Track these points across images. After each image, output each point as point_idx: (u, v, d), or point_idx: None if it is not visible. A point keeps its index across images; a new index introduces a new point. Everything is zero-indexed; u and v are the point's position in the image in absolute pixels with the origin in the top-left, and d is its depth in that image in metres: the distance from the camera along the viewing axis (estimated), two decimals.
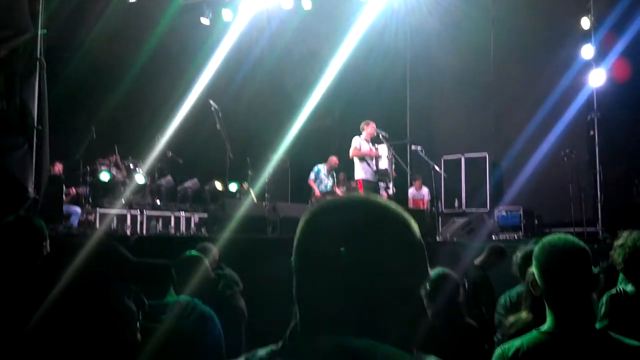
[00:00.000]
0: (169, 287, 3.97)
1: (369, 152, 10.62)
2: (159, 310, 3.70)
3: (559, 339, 2.15)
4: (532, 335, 2.20)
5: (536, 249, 2.30)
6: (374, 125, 10.79)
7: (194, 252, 4.41)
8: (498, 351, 2.23)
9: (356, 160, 10.67)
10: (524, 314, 3.64)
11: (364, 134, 10.76)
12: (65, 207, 10.04)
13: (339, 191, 12.09)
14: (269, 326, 5.41)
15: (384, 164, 10.51)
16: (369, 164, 10.57)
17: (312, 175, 12.15)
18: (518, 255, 4.54)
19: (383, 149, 10.60)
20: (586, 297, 2.23)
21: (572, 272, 2.19)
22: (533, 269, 2.30)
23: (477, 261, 6.73)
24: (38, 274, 1.86)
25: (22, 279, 3.01)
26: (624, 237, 3.60)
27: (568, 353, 2.11)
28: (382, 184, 11.14)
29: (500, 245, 6.82)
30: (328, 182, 12.04)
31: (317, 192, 11.96)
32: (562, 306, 2.19)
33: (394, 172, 10.97)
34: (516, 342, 2.20)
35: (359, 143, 10.67)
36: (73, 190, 10.81)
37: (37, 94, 7.17)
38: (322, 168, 12.11)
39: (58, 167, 10.76)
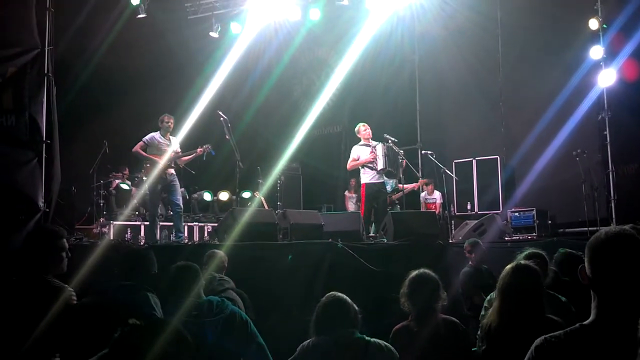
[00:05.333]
0: (198, 287, 4.25)
1: (364, 160, 10.55)
2: (189, 305, 4.03)
3: (597, 332, 2.05)
4: (572, 328, 2.10)
5: (592, 237, 2.17)
6: (367, 126, 10.74)
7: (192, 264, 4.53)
8: (537, 341, 2.13)
9: (360, 168, 10.67)
10: (492, 309, 3.70)
11: (360, 139, 10.76)
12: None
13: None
14: (276, 327, 5.51)
15: (380, 164, 10.46)
16: (370, 168, 10.56)
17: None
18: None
19: (379, 149, 10.54)
20: (635, 291, 2.03)
21: (625, 264, 2.04)
22: (585, 257, 2.17)
23: None
24: None
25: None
26: None
27: (604, 347, 2.00)
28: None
29: None
30: (390, 181, 11.71)
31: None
32: (608, 299, 2.07)
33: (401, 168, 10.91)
34: (555, 334, 2.10)
35: (357, 153, 10.64)
36: (199, 150, 10.09)
37: (46, 109, 7.29)
38: None
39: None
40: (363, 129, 10.72)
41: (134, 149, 9.81)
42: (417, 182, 12.82)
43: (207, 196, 13.66)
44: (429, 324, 4.11)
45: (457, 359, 4.14)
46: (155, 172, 9.65)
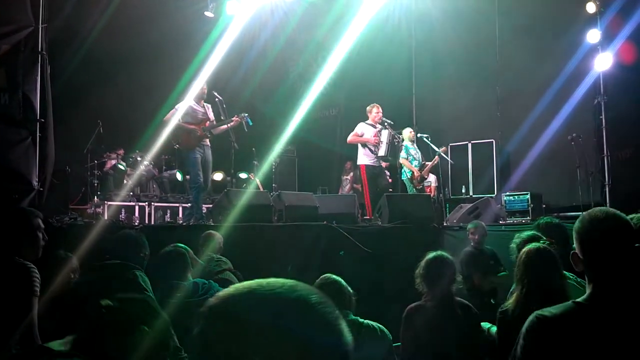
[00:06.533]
0: (186, 271, 4.47)
1: (367, 139, 10.54)
2: (177, 288, 4.09)
3: (591, 310, 2.11)
4: (566, 305, 2.17)
5: (577, 222, 2.26)
6: (379, 108, 10.71)
7: (180, 245, 4.64)
8: (531, 317, 2.19)
9: (359, 146, 10.66)
10: (515, 295, 3.69)
11: (369, 118, 10.73)
12: None
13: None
14: None
15: (382, 151, 10.47)
16: (370, 150, 10.53)
17: (403, 154, 11.34)
18: (516, 241, 4.58)
19: (385, 135, 10.54)
20: (626, 269, 2.12)
21: (613, 243, 2.14)
22: (574, 243, 2.25)
23: None
24: None
25: None
26: None
27: (601, 324, 2.06)
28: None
29: None
30: (418, 154, 11.58)
31: (416, 172, 11.39)
32: (600, 277, 2.15)
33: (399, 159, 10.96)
34: (551, 310, 2.16)
35: (361, 129, 10.63)
36: (236, 119, 9.05)
37: (40, 88, 7.23)
38: (408, 143, 11.49)
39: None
40: (375, 111, 10.64)
41: (165, 118, 9.03)
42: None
43: None
44: (443, 305, 4.16)
45: (469, 342, 4.17)
46: (192, 140, 8.98)
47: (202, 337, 1.14)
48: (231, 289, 1.17)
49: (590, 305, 2.13)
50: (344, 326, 1.15)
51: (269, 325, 1.07)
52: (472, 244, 7.55)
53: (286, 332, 1.07)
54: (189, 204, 9.57)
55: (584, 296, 2.18)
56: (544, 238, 4.24)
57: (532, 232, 4.44)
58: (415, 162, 11.42)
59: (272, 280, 1.16)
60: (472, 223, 7.87)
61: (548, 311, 2.16)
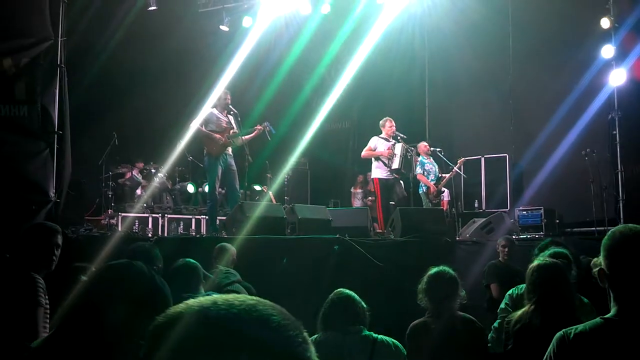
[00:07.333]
0: (198, 284, 4.46)
1: (381, 153, 10.59)
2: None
3: (621, 326, 2.12)
4: (595, 322, 2.19)
5: (606, 238, 2.26)
6: (392, 122, 10.76)
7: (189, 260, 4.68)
8: (559, 334, 2.22)
9: (372, 160, 10.71)
10: (524, 308, 3.70)
11: (383, 132, 10.78)
12: None
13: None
14: None
15: (395, 164, 10.49)
16: (384, 163, 10.57)
17: (419, 170, 11.30)
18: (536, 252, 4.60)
19: (398, 148, 10.58)
20: None
21: None
22: (600, 259, 2.27)
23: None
24: None
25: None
26: None
27: (629, 340, 2.08)
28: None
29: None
30: (434, 168, 11.53)
31: (432, 187, 11.32)
32: (627, 294, 2.15)
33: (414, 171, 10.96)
34: (578, 327, 2.19)
35: (375, 143, 10.67)
36: (259, 127, 9.38)
37: (58, 100, 7.33)
38: (424, 157, 11.49)
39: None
40: (389, 125, 10.69)
41: (190, 124, 9.27)
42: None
43: None
44: (446, 320, 4.13)
45: (473, 357, 4.16)
46: (216, 148, 9.13)
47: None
48: (182, 305, 1.04)
49: (620, 321, 2.14)
50: (312, 351, 1.04)
51: (219, 351, 0.94)
52: (499, 257, 7.55)
53: None
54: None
55: (611, 312, 2.20)
56: (569, 254, 4.27)
57: (557, 249, 4.46)
58: (431, 176, 11.41)
59: (231, 296, 1.03)
60: (502, 237, 7.86)
61: (576, 327, 2.20)
